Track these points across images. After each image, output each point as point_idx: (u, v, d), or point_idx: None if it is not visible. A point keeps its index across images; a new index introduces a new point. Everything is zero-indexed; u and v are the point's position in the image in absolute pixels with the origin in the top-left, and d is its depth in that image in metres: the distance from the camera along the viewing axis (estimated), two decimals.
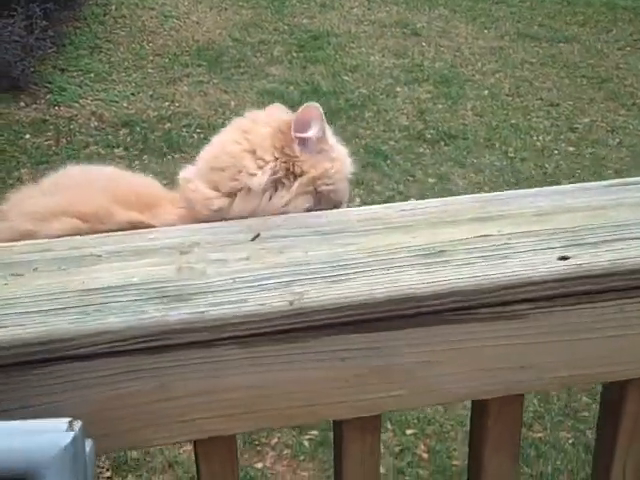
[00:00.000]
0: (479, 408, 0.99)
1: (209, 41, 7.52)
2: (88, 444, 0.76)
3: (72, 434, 0.69)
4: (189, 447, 3.08)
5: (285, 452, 3.18)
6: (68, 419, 0.71)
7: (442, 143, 6.13)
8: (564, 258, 0.89)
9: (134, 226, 1.02)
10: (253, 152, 1.08)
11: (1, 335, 0.79)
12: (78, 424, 0.72)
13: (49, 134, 5.76)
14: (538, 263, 0.88)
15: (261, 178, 1.06)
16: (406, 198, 5.38)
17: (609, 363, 0.93)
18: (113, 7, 8.03)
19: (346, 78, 7.02)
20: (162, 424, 0.86)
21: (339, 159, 1.17)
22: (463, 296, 0.86)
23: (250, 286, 0.86)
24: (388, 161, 5.76)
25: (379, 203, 5.36)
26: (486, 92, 6.92)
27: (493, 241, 0.92)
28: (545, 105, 6.79)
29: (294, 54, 7.45)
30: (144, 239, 0.94)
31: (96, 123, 5.96)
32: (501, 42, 7.88)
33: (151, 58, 7.21)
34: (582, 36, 8.09)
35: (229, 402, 0.86)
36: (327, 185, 1.11)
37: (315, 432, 3.23)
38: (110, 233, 0.95)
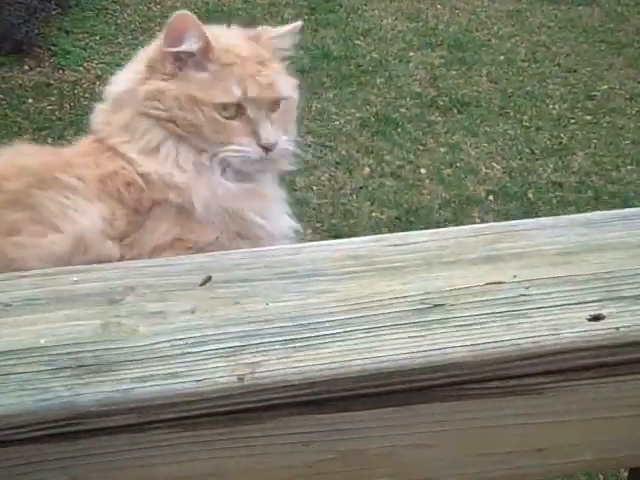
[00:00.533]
0: None
1: (218, 3, 7.29)
2: None
3: None
4: None
5: None
6: None
7: (455, 111, 5.96)
8: (597, 318, 0.68)
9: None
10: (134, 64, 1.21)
11: None
12: None
13: (52, 99, 5.62)
14: (563, 325, 0.68)
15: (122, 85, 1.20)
16: (416, 168, 5.24)
17: None
18: None
19: (358, 42, 6.80)
20: None
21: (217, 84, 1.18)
22: (464, 369, 0.66)
23: (191, 352, 0.67)
24: (399, 129, 5.59)
25: (388, 173, 5.19)
26: (502, 57, 6.71)
27: (506, 292, 0.72)
28: (562, 71, 6.58)
29: (305, 17, 7.22)
30: (67, 282, 0.74)
31: (101, 87, 5.77)
32: (518, 5, 7.61)
33: (159, 20, 6.98)
34: None
35: None
36: (156, 110, 1.12)
37: None
38: (25, 272, 0.76)
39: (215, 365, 0.65)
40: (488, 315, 0.70)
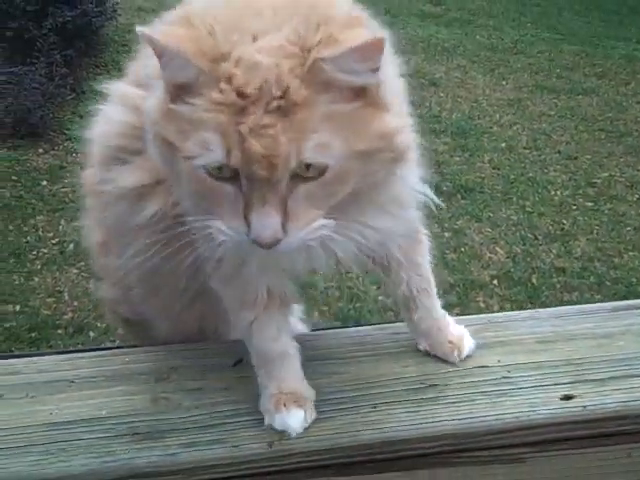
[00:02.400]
0: None
1: None
2: None
3: None
4: None
5: None
6: None
7: (459, 196, 6.07)
8: (568, 397, 0.82)
9: None
10: None
11: None
12: None
13: (66, 181, 5.77)
14: (540, 403, 0.82)
15: None
16: None
17: None
18: (133, 54, 8.12)
19: None
20: None
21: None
22: (455, 439, 0.80)
23: (227, 423, 0.80)
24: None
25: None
26: (503, 145, 6.88)
27: (491, 374, 0.86)
28: (563, 159, 6.73)
29: None
30: (119, 362, 0.88)
31: None
32: (519, 94, 7.86)
33: None
34: (601, 89, 8.06)
35: None
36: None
37: None
38: (83, 354, 0.90)
39: (248, 434, 0.79)
40: (475, 394, 0.84)
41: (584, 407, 0.81)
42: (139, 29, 0.78)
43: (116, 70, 7.73)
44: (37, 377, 0.86)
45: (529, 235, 5.60)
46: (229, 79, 0.73)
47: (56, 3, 6.78)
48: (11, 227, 5.01)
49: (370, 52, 0.74)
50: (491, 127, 7.13)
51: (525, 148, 6.77)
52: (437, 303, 0.93)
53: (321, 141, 0.73)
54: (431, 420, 0.80)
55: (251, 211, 0.74)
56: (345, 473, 0.80)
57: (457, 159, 6.56)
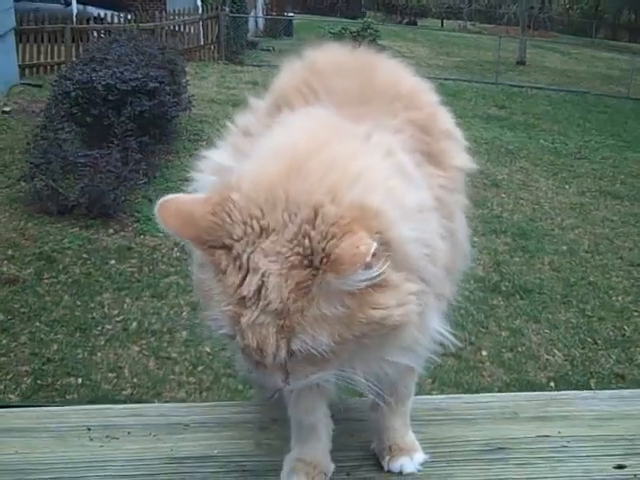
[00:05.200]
0: None
1: None
2: None
3: None
4: None
5: None
6: None
7: (517, 296, 6.08)
8: (620, 467, 0.93)
9: None
10: None
11: None
12: None
13: (133, 261, 5.97)
14: (594, 470, 0.93)
15: None
16: (477, 349, 5.31)
17: None
18: (204, 142, 8.47)
19: None
20: None
21: None
22: None
23: None
24: (462, 311, 5.75)
25: (450, 353, 5.33)
26: (565, 247, 6.92)
27: (552, 443, 0.98)
28: (625, 265, 6.72)
29: None
30: (227, 412, 1.03)
31: (178, 254, 6.16)
32: (582, 198, 7.93)
33: None
34: None
35: None
36: None
37: None
38: (196, 404, 1.04)
39: (338, 477, 0.92)
40: (537, 459, 0.95)
41: (634, 476, 0.92)
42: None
43: (187, 157, 8.09)
44: (159, 420, 1.01)
45: (588, 339, 5.55)
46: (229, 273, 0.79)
47: (136, 93, 7.21)
48: (78, 302, 5.24)
49: (371, 263, 0.78)
50: (552, 229, 7.21)
51: (587, 252, 6.81)
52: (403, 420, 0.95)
53: (310, 337, 0.78)
54: (500, 477, 0.92)
55: (255, 369, 0.81)
56: None
57: (517, 260, 6.63)
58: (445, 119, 0.98)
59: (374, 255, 0.77)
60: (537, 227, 7.34)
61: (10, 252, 5.64)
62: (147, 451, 0.95)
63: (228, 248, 0.81)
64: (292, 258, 0.79)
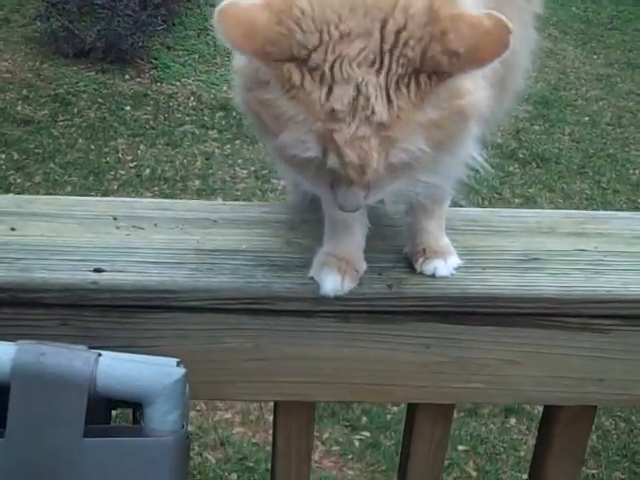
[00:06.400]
0: (550, 415, 1.02)
1: None
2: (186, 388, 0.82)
3: (183, 370, 0.76)
4: (242, 429, 3.15)
5: (334, 448, 3.22)
6: (176, 359, 0.78)
7: (534, 164, 6.06)
8: None
9: None
10: None
11: (123, 279, 0.87)
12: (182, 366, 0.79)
13: (148, 108, 5.94)
14: (632, 282, 0.91)
15: None
16: None
17: None
18: None
19: None
20: (251, 381, 0.93)
21: None
22: (552, 303, 0.90)
23: None
24: (477, 176, 5.72)
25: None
26: (586, 119, 6.81)
27: (588, 256, 0.95)
28: None
29: None
30: (258, 212, 1.00)
31: (194, 103, 6.11)
32: (609, 70, 7.73)
33: None
34: None
35: (317, 370, 0.92)
36: None
37: (367, 433, 3.27)
38: (224, 202, 1.02)
39: (370, 276, 0.90)
40: (573, 270, 0.93)
41: None
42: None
43: (207, 6, 7.84)
44: (186, 214, 0.99)
45: (601, 210, 5.57)
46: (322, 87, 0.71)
47: None
48: (92, 147, 5.23)
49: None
50: (576, 100, 7.06)
51: (608, 124, 6.70)
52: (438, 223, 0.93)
53: (409, 147, 0.73)
54: (533, 284, 0.91)
55: (338, 187, 0.76)
56: (449, 321, 0.90)
57: (537, 128, 6.54)
58: None
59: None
60: (560, 97, 7.19)
61: (25, 92, 5.58)
62: (174, 242, 0.94)
63: (302, 60, 0.72)
64: (394, 65, 0.72)
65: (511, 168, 6.01)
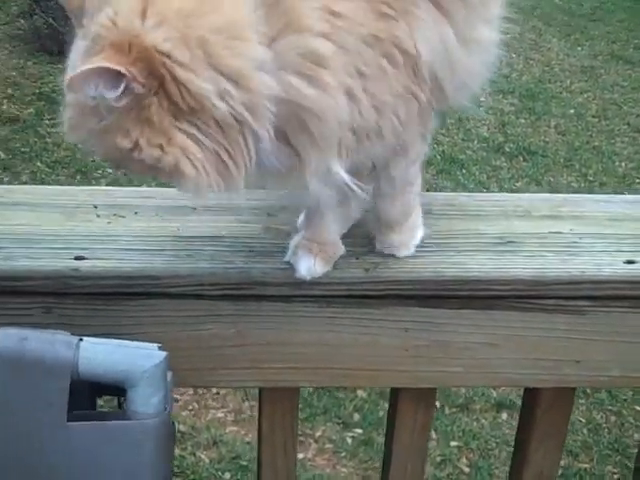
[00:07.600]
0: (530, 397, 1.04)
1: None
2: (168, 375, 0.83)
3: (164, 353, 0.77)
4: (234, 427, 3.16)
5: (327, 446, 3.23)
6: (158, 344, 0.79)
7: (520, 158, 6.06)
8: (630, 262, 0.93)
9: None
10: None
11: (104, 266, 0.88)
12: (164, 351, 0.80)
13: None
14: (604, 264, 0.93)
15: None
16: None
17: None
18: None
19: None
20: (234, 368, 0.94)
21: None
22: (528, 285, 0.91)
23: None
24: (464, 170, 5.73)
25: None
26: (572, 111, 6.82)
27: (564, 238, 0.97)
28: (632, 131, 6.64)
29: None
30: (236, 198, 1.01)
31: None
32: (593, 62, 7.76)
33: None
34: None
35: (299, 356, 0.93)
36: None
37: (359, 430, 3.28)
38: None
39: (348, 261, 0.91)
40: (548, 252, 0.95)
41: None
42: None
43: None
44: (166, 202, 1.00)
45: None
46: None
47: None
48: (79, 145, 5.21)
49: None
50: (561, 92, 7.08)
51: (594, 117, 6.72)
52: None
53: None
54: (509, 266, 0.92)
55: None
56: (427, 305, 0.92)
57: (523, 121, 6.55)
58: None
59: None
60: (545, 89, 7.20)
61: (10, 91, 5.55)
62: (154, 229, 0.95)
63: None
64: None
65: (498, 162, 6.01)
